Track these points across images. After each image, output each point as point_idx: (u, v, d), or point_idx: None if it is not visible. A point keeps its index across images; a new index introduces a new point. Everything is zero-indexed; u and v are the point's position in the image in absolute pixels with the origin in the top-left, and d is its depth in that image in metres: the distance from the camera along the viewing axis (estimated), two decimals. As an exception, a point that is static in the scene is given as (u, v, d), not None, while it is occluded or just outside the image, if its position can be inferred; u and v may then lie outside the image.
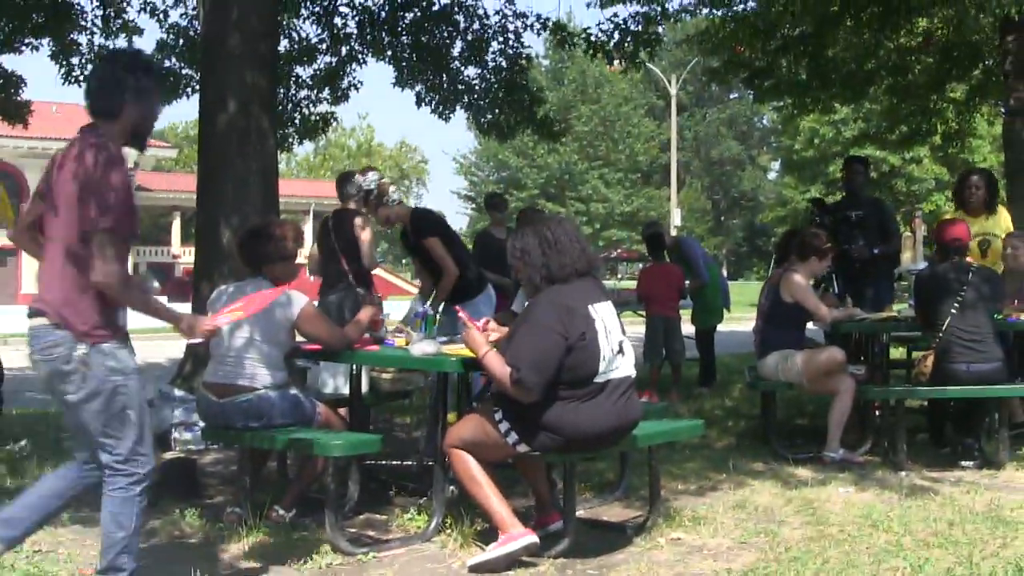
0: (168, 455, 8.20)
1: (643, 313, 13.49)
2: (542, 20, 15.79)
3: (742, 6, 15.63)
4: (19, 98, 15.66)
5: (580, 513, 6.56)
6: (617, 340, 5.88)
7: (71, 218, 4.79)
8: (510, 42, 15.78)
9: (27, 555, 6.11)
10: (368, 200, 9.18)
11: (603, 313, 5.87)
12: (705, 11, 15.92)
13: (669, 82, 56.10)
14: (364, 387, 8.15)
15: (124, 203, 4.80)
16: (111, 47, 15.50)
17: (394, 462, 8.16)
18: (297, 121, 16.59)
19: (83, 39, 15.45)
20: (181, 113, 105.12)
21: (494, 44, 15.80)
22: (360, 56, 15.96)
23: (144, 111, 5.07)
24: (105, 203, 4.72)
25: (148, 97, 5.08)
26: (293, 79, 16.14)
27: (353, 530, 6.62)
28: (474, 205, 74.15)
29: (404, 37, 15.65)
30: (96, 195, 4.73)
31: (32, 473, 8.14)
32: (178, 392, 9.35)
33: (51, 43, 15.10)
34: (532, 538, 5.88)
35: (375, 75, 68.44)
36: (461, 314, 6.60)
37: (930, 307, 8.54)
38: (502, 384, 5.79)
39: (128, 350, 4.98)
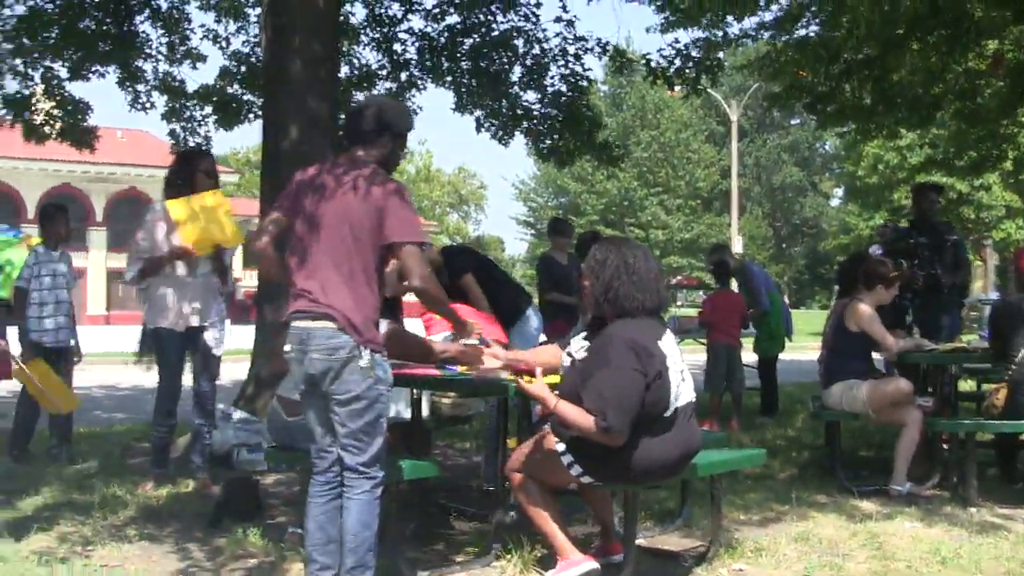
0: (231, 475, 8.23)
1: (704, 341, 13.40)
2: (602, 44, 15.75)
3: (804, 31, 15.51)
4: (86, 124, 15.80)
5: (640, 541, 6.49)
6: (679, 369, 5.79)
7: (365, 235, 5.36)
8: (569, 66, 15.75)
9: (95, 569, 6.21)
10: None
11: (668, 347, 5.76)
12: (766, 35, 15.81)
13: (729, 107, 55.80)
14: (425, 411, 8.11)
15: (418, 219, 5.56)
16: (175, 73, 15.67)
17: (454, 486, 8.12)
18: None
19: (148, 66, 15.58)
20: (242, 139, 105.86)
21: (553, 69, 15.77)
22: (420, 82, 15.97)
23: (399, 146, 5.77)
24: (414, 221, 5.43)
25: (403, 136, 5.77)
26: (353, 105, 16.22)
27: (413, 555, 6.58)
28: (533, 231, 74.14)
29: (464, 63, 15.66)
30: (403, 214, 5.37)
31: (100, 491, 8.22)
32: (240, 413, 9.37)
33: (117, 70, 15.24)
34: (592, 565, 5.83)
35: (434, 100, 68.77)
36: (514, 352, 6.57)
37: (1004, 338, 8.37)
38: (584, 432, 5.59)
39: (388, 365, 5.55)
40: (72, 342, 10.38)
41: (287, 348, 5.57)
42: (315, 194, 5.51)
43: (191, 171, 8.48)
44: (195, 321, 8.37)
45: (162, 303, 8.29)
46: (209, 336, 8.55)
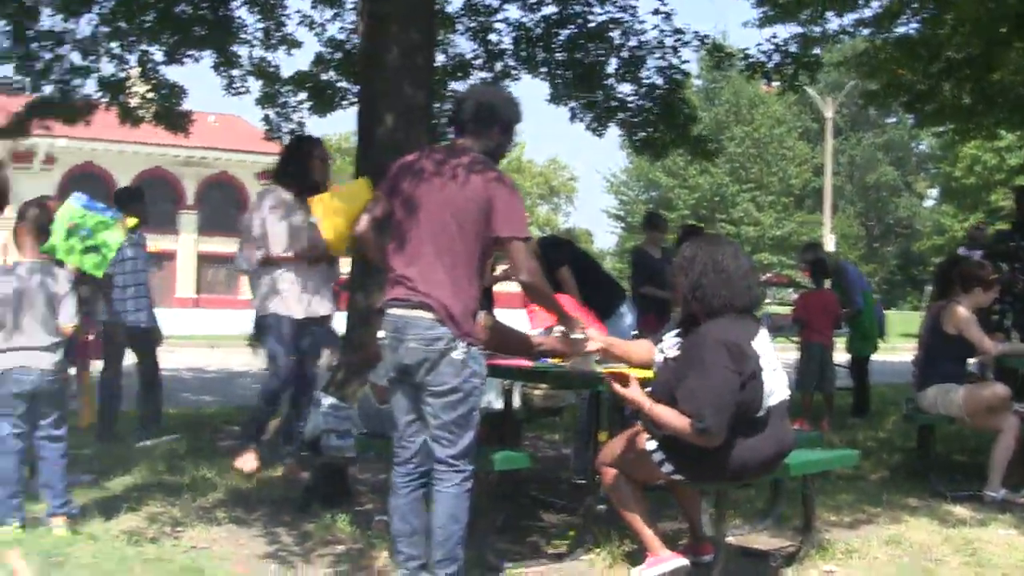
0: (320, 461, 8.24)
1: (796, 339, 13.27)
2: (700, 38, 15.61)
3: (904, 28, 15.30)
4: (180, 108, 15.94)
5: (729, 540, 6.39)
6: (773, 368, 5.70)
7: (469, 225, 5.34)
8: (666, 59, 15.64)
9: (184, 550, 6.28)
10: None
11: (762, 346, 5.64)
12: (865, 32, 15.61)
13: (824, 104, 55.09)
14: (516, 402, 8.09)
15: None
16: (270, 59, 15.77)
17: (544, 479, 8.08)
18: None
19: (243, 51, 15.67)
20: (336, 126, 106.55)
21: (649, 61, 15.66)
22: (514, 72, 15.94)
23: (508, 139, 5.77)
24: (521, 214, 5.41)
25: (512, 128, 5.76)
26: (449, 94, 16.22)
27: (502, 546, 6.56)
28: (623, 224, 73.84)
29: (559, 53, 15.59)
30: (511, 207, 5.36)
31: (189, 472, 8.30)
32: (330, 400, 9.39)
33: (213, 55, 15.35)
34: (681, 561, 5.79)
35: (528, 91, 68.79)
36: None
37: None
38: (680, 434, 5.50)
39: (483, 358, 5.51)
40: (152, 324, 10.50)
41: (381, 335, 5.55)
42: (418, 180, 5.49)
43: (305, 157, 8.42)
44: (315, 309, 8.31)
45: (282, 290, 8.24)
46: (325, 325, 8.54)
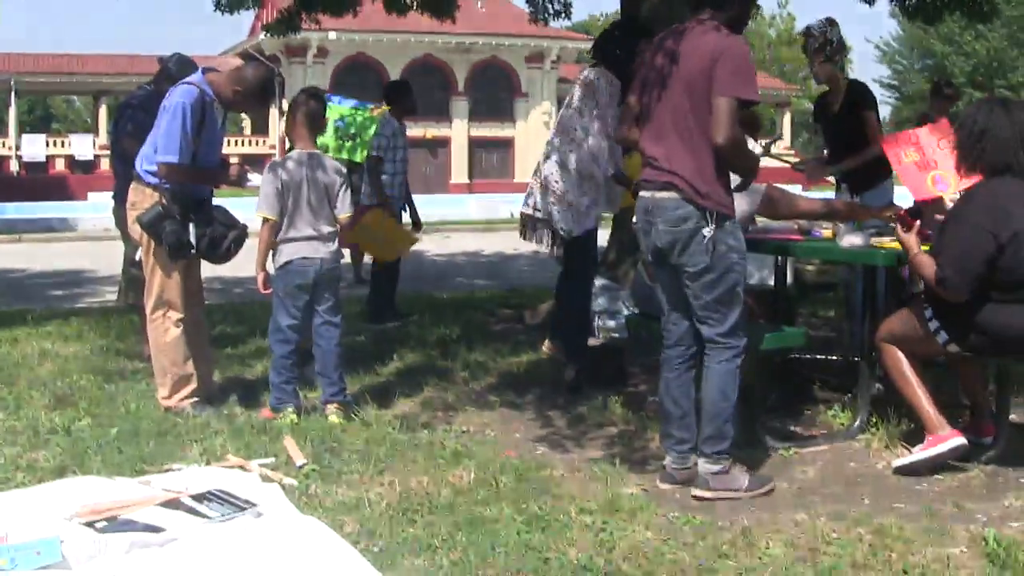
0: (592, 342, 8.23)
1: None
2: None
3: None
4: (447, -6, 15.98)
5: (1013, 418, 6.13)
6: None
7: (700, 94, 5.09)
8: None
9: (456, 434, 6.36)
10: (821, 49, 8.57)
11: None
12: None
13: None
14: (788, 279, 7.88)
15: (753, 76, 5.19)
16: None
17: (818, 356, 7.88)
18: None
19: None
20: (602, 4, 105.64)
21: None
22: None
23: (744, 8, 5.43)
24: (739, 75, 5.06)
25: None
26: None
27: (774, 425, 6.45)
28: (897, 94, 71.52)
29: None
30: (729, 67, 5.04)
31: (462, 356, 8.39)
32: (601, 280, 9.34)
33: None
34: (961, 440, 5.58)
35: (796, -40, 66.79)
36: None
37: None
38: (931, 283, 5.51)
39: (740, 230, 5.35)
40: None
41: (634, 219, 5.47)
42: (658, 59, 5.33)
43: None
44: None
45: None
46: None
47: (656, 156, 5.26)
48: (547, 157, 7.46)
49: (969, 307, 5.45)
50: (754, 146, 7.00)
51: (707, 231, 5.10)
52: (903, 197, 7.51)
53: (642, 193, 5.34)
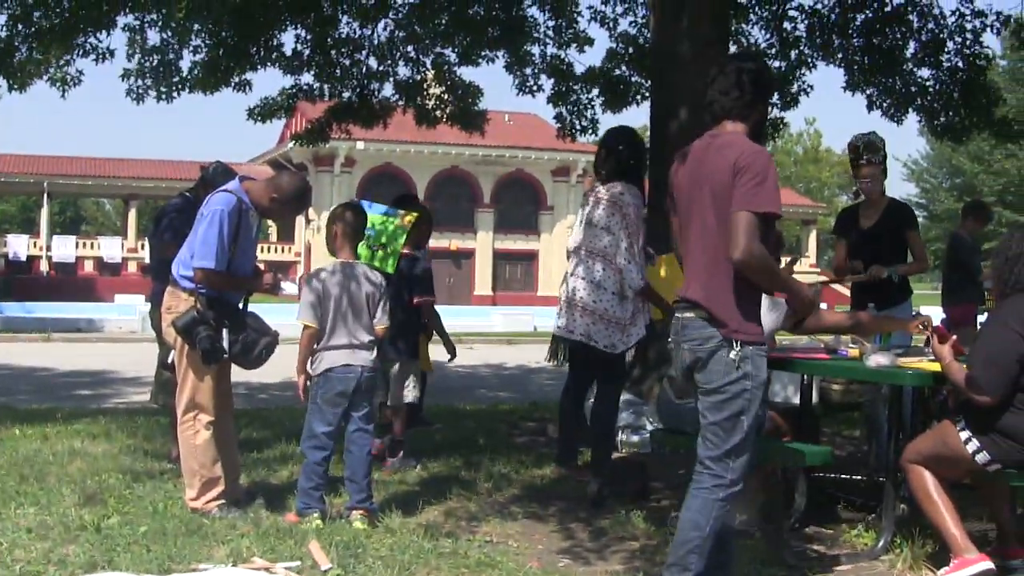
0: (617, 457, 8.26)
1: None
2: (1002, 19, 14.98)
3: None
4: (476, 108, 16.24)
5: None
6: None
7: (717, 210, 5.01)
8: (967, 42, 15.06)
9: (479, 543, 6.35)
10: (882, 162, 8.55)
11: None
12: None
13: None
14: (814, 397, 7.92)
15: (775, 190, 4.99)
16: (563, 56, 15.84)
17: (843, 475, 7.89)
18: (750, 128, 16.35)
19: (536, 50, 15.81)
20: (630, 121, 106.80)
21: (950, 44, 15.11)
22: (810, 60, 15.63)
23: (764, 115, 5.40)
24: (761, 189, 4.90)
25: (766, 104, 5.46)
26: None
27: (798, 543, 6.45)
28: (926, 212, 71.75)
29: (855, 39, 15.21)
30: (752, 179, 4.91)
31: (486, 466, 8.40)
32: (625, 395, 9.39)
33: (505, 54, 15.55)
34: (988, 565, 5.57)
35: (822, 79, 67.30)
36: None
37: None
38: (961, 388, 5.63)
39: (764, 358, 5.14)
40: None
41: (668, 338, 5.43)
42: (682, 175, 5.30)
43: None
44: None
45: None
46: None
47: (688, 277, 5.24)
48: (580, 278, 7.49)
49: (1000, 414, 5.56)
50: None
51: (728, 353, 5.00)
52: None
53: (676, 314, 5.29)
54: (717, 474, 5.10)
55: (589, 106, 16.13)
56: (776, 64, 15.55)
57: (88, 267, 54.70)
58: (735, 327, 5.01)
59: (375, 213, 9.35)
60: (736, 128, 5.17)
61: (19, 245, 54.42)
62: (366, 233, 7.72)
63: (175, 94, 13.72)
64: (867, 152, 8.23)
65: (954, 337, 5.77)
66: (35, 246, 54.88)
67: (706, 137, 5.27)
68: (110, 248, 55.62)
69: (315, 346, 6.73)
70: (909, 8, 14.85)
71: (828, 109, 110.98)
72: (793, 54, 15.57)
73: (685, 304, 5.16)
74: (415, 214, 9.00)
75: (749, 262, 4.86)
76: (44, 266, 53.74)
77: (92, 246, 56.54)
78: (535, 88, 15.87)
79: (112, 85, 16.66)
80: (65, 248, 54.93)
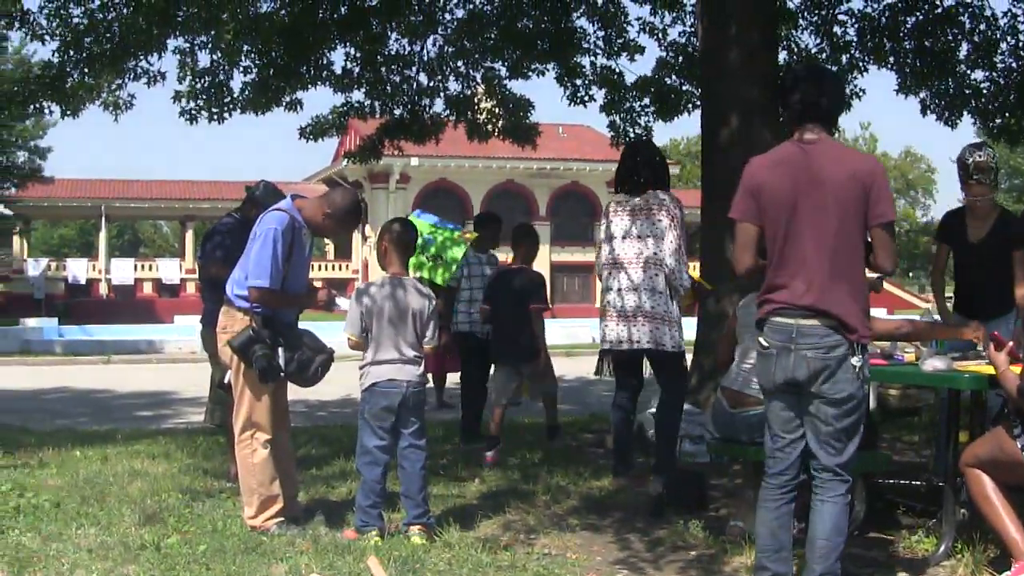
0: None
1: None
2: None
3: None
4: (528, 121, 16.29)
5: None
6: None
7: (851, 218, 5.10)
8: (1021, 43, 14.93)
9: (538, 556, 6.35)
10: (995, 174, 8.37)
11: None
12: None
13: None
14: (872, 403, 7.87)
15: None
16: (613, 66, 15.86)
17: (902, 481, 7.83)
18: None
19: (586, 61, 15.86)
20: (682, 129, 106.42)
21: (1003, 45, 14.99)
22: (861, 64, 15.54)
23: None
24: (890, 196, 5.17)
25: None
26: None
27: (857, 550, 6.40)
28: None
29: (907, 42, 15.12)
30: (883, 189, 5.11)
31: (544, 478, 8.40)
32: (685, 405, 9.38)
33: (556, 67, 15.59)
34: (1050, 569, 5.51)
35: (877, 82, 66.97)
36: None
37: None
38: (1012, 397, 5.56)
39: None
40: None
41: (764, 343, 5.30)
42: (780, 182, 5.21)
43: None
44: None
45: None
46: None
47: (799, 281, 5.14)
48: (633, 289, 7.62)
49: None
50: None
51: (855, 360, 5.08)
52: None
53: (780, 319, 5.20)
54: (845, 479, 5.23)
55: (642, 113, 16.13)
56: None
57: (147, 289, 55.25)
58: (863, 332, 5.12)
59: (425, 222, 9.39)
60: (824, 134, 5.24)
61: (78, 269, 55.04)
62: (428, 246, 7.75)
63: (227, 114, 13.89)
64: (977, 173, 7.99)
65: (1010, 344, 5.70)
66: (94, 269, 55.47)
67: (793, 144, 5.29)
68: (168, 270, 56.18)
69: (362, 359, 6.77)
70: (960, 10, 14.75)
71: (882, 111, 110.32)
72: (845, 58, 15.49)
73: (798, 310, 5.14)
74: (468, 233, 9.06)
75: (894, 271, 5.26)
76: (103, 289, 54.29)
77: (150, 268, 57.20)
78: (587, 98, 15.89)
79: (169, 107, 16.85)
80: (124, 271, 55.52)
